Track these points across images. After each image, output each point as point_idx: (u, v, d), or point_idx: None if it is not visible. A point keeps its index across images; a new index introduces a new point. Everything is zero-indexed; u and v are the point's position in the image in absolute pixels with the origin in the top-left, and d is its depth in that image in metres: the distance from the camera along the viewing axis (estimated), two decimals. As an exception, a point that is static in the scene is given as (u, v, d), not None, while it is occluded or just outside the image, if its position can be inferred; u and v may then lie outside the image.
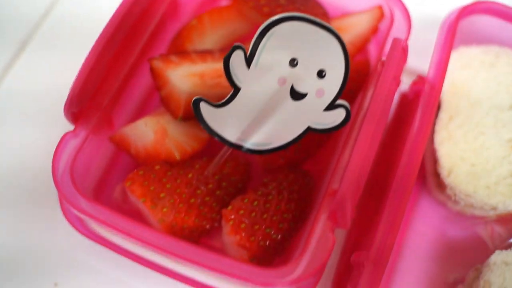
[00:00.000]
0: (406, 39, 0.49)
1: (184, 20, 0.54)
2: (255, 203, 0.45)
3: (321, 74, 0.42)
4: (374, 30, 0.52)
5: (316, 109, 0.42)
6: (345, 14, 0.53)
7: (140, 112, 0.52)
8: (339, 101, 0.42)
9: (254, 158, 0.49)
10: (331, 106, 0.43)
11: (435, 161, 0.51)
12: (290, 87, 0.42)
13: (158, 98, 0.49)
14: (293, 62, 0.42)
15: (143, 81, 0.51)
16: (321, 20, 0.41)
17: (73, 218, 0.47)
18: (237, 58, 0.41)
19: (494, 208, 0.49)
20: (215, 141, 0.44)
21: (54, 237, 0.50)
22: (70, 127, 0.45)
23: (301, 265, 0.40)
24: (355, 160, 0.41)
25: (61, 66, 0.57)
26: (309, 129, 0.43)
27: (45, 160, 0.44)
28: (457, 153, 0.50)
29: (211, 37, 0.51)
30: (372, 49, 0.55)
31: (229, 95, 0.42)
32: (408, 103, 0.52)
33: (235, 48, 0.41)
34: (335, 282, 0.49)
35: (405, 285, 0.50)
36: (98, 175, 0.49)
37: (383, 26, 0.51)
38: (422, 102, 0.48)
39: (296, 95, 0.42)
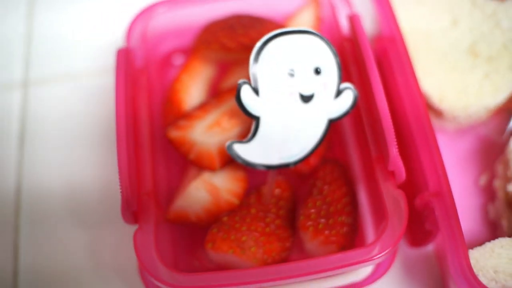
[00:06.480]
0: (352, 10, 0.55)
1: (156, 89, 0.57)
2: (318, 203, 0.49)
3: (317, 71, 0.47)
4: (318, 19, 0.57)
5: (327, 101, 0.47)
6: (289, 17, 0.58)
7: (168, 183, 0.54)
8: (342, 85, 0.48)
9: (286, 171, 0.52)
10: (339, 92, 0.48)
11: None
12: (299, 94, 0.47)
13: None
14: (291, 73, 0.46)
15: (159, 154, 0.54)
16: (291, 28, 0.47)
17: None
18: (247, 92, 0.45)
19: (487, 107, 0.55)
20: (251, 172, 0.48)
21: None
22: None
23: (393, 226, 0.45)
24: (387, 126, 0.46)
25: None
26: (330, 121, 0.48)
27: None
28: (435, 80, 0.56)
29: (195, 92, 0.54)
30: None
31: (253, 126, 0.46)
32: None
33: (241, 85, 0.45)
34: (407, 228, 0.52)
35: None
36: (170, 254, 0.51)
37: (326, 10, 0.57)
38: (393, 54, 0.53)
39: (307, 98, 0.47)
